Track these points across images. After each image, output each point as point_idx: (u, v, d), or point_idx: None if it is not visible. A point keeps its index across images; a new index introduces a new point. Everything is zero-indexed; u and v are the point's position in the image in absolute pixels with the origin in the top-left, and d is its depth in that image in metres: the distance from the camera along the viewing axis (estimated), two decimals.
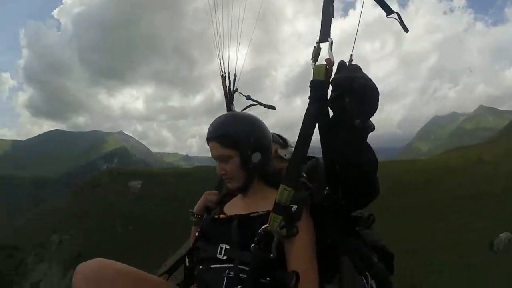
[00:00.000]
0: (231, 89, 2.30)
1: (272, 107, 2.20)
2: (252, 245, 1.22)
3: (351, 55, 1.20)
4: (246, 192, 1.54)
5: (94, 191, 53.65)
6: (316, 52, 1.11)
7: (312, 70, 1.11)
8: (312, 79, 1.12)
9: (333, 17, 1.09)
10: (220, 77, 2.33)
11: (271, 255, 1.20)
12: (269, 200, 1.32)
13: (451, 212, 20.63)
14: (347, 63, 1.18)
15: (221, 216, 1.52)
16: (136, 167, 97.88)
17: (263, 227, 1.22)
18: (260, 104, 2.20)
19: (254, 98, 2.23)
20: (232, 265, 1.30)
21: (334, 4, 1.10)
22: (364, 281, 1.34)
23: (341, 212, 1.31)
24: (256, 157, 1.45)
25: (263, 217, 1.30)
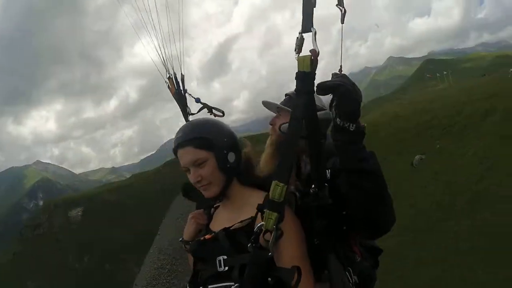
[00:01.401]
0: (182, 90, 2.17)
1: (221, 112, 2.10)
2: (248, 245, 1.20)
3: (340, 66, 1.43)
4: (227, 197, 1.49)
5: (36, 233, 49.79)
6: (299, 43, 1.10)
7: (297, 61, 1.10)
8: (297, 70, 1.10)
9: (315, 7, 1.09)
10: (167, 81, 2.20)
11: (269, 253, 1.18)
12: (249, 206, 1.34)
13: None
14: (338, 72, 1.30)
15: (207, 236, 1.45)
16: (73, 194, 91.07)
17: (259, 224, 1.19)
18: (209, 108, 2.11)
19: (202, 101, 2.14)
20: (231, 283, 1.27)
21: None
22: (348, 275, 1.39)
23: (329, 212, 1.30)
24: (232, 156, 1.43)
25: (249, 225, 1.32)
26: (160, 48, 2.11)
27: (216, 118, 1.65)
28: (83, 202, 52.09)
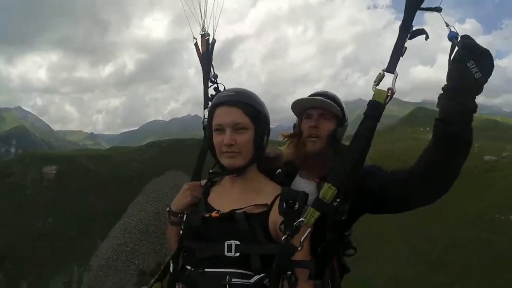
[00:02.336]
0: (210, 55, 1.88)
1: None
2: (283, 237, 1.22)
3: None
4: (242, 176, 1.43)
5: (6, 181, 48.06)
6: (380, 78, 1.21)
7: (373, 91, 1.21)
8: (372, 99, 1.22)
9: (402, 56, 1.20)
10: (199, 39, 1.88)
11: (299, 248, 1.20)
12: (265, 195, 1.37)
13: None
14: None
15: (214, 214, 1.36)
16: (50, 151, 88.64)
17: (299, 220, 1.20)
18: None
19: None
20: (233, 270, 1.26)
21: (406, 46, 1.20)
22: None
23: (340, 226, 1.38)
24: (266, 139, 1.42)
25: (264, 213, 1.33)
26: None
27: None
28: (59, 161, 50.89)
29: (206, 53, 1.87)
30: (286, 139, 1.76)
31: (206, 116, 1.55)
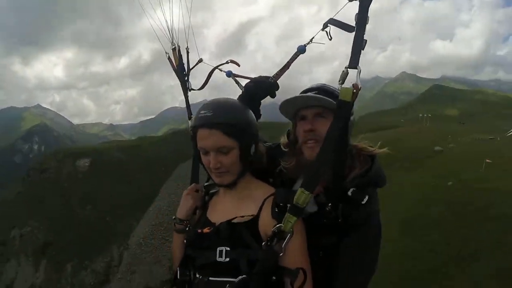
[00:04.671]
0: (187, 65, 1.89)
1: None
2: (263, 243, 1.25)
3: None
4: (234, 186, 1.43)
5: (42, 176, 51.71)
6: (344, 76, 1.18)
7: (340, 90, 1.19)
8: (338, 98, 1.19)
9: (363, 49, 1.18)
10: (169, 52, 1.90)
11: (281, 253, 1.23)
12: (253, 200, 1.40)
13: None
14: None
15: (205, 230, 1.40)
16: (82, 145, 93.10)
17: (277, 225, 1.23)
18: (240, 85, 1.75)
19: (236, 73, 1.79)
20: (233, 279, 1.28)
21: (365, 38, 1.18)
22: None
23: (337, 229, 1.35)
24: (253, 149, 1.39)
25: (252, 221, 1.34)
26: (165, 13, 1.81)
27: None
28: (91, 154, 53.96)
29: (179, 65, 1.85)
30: (287, 149, 1.63)
31: (190, 125, 1.56)
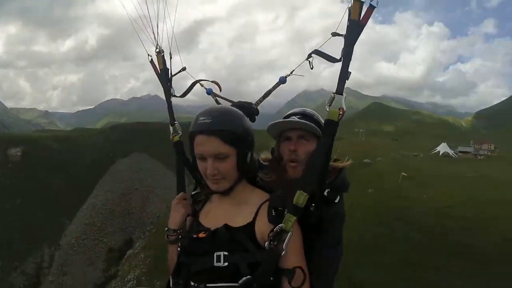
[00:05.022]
0: (169, 71, 1.82)
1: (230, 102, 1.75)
2: (266, 243, 1.27)
3: None
4: (229, 193, 1.44)
5: None
6: (331, 100, 1.34)
7: (327, 112, 1.36)
8: (327, 118, 1.36)
9: (348, 79, 1.36)
10: (153, 56, 1.81)
11: (283, 252, 1.25)
12: (249, 205, 1.41)
13: None
14: None
15: (201, 235, 1.39)
16: (15, 133, 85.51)
17: (279, 225, 1.26)
18: (218, 102, 1.84)
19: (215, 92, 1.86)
20: (233, 284, 1.27)
21: (350, 71, 1.35)
22: None
23: (316, 229, 1.45)
24: (249, 156, 1.42)
25: (249, 224, 1.35)
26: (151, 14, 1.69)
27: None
28: (23, 143, 50.78)
29: (163, 70, 1.80)
30: (267, 163, 1.73)
31: (172, 132, 1.72)
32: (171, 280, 1.47)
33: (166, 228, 1.59)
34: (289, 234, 1.26)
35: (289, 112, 1.80)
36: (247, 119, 1.45)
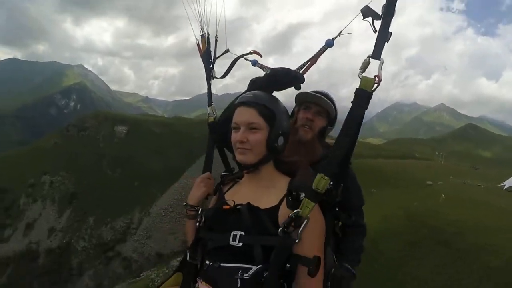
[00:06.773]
0: (214, 54, 1.94)
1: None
2: (279, 229, 1.23)
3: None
4: (257, 174, 1.46)
5: (81, 134, 55.36)
6: (366, 64, 1.19)
7: (360, 79, 1.20)
8: (359, 87, 1.20)
9: (387, 41, 1.19)
10: (199, 38, 1.95)
11: (297, 240, 1.21)
12: (276, 189, 1.39)
13: None
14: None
15: (226, 207, 1.40)
16: (122, 112, 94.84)
17: (294, 211, 1.21)
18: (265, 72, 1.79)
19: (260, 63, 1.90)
20: (246, 266, 1.25)
21: (390, 31, 1.18)
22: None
23: (333, 211, 1.42)
24: (281, 140, 1.42)
25: (273, 208, 1.33)
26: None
27: None
28: (130, 123, 56.66)
29: (206, 51, 1.90)
30: None
31: (209, 113, 1.80)
32: (187, 254, 1.49)
33: (185, 204, 1.62)
34: (305, 221, 1.22)
35: (314, 90, 1.97)
36: (286, 109, 1.49)
